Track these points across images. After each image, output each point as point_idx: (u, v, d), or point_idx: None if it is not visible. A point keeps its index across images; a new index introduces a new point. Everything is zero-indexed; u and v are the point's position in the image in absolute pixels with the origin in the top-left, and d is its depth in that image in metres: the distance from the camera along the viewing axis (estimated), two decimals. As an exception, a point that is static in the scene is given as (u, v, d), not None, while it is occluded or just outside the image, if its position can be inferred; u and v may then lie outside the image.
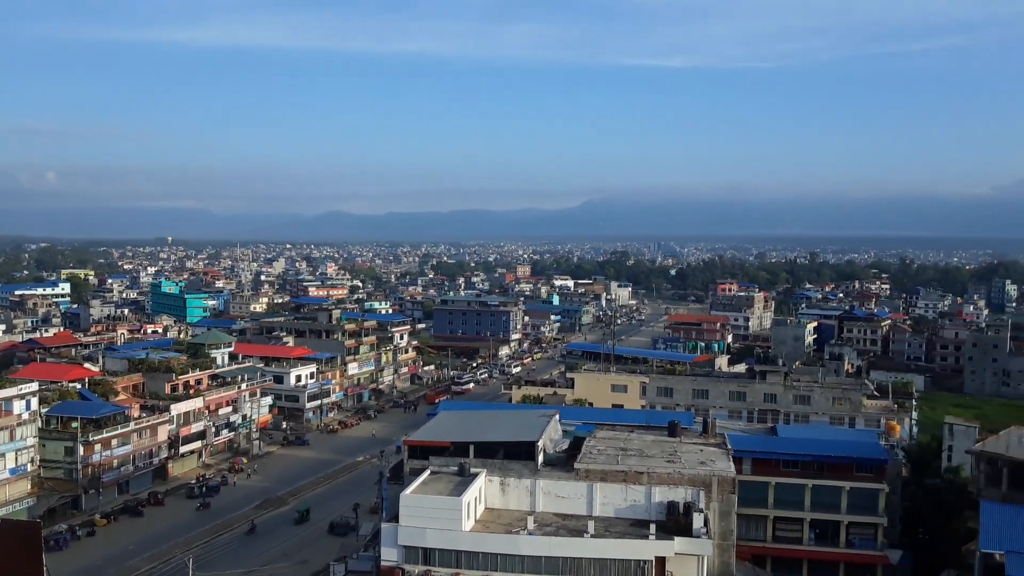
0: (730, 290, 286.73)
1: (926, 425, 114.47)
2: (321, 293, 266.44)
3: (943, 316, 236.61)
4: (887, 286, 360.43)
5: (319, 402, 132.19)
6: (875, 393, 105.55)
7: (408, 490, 47.51)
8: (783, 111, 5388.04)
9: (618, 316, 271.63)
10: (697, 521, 46.84)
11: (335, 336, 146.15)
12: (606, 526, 48.04)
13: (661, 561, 45.83)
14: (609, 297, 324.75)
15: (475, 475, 49.76)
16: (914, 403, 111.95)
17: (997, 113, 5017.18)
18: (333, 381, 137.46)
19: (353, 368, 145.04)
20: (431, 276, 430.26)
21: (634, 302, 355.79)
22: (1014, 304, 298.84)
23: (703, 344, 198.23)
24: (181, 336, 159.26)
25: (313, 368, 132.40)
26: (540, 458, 51.93)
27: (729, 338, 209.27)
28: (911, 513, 76.78)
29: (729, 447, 58.71)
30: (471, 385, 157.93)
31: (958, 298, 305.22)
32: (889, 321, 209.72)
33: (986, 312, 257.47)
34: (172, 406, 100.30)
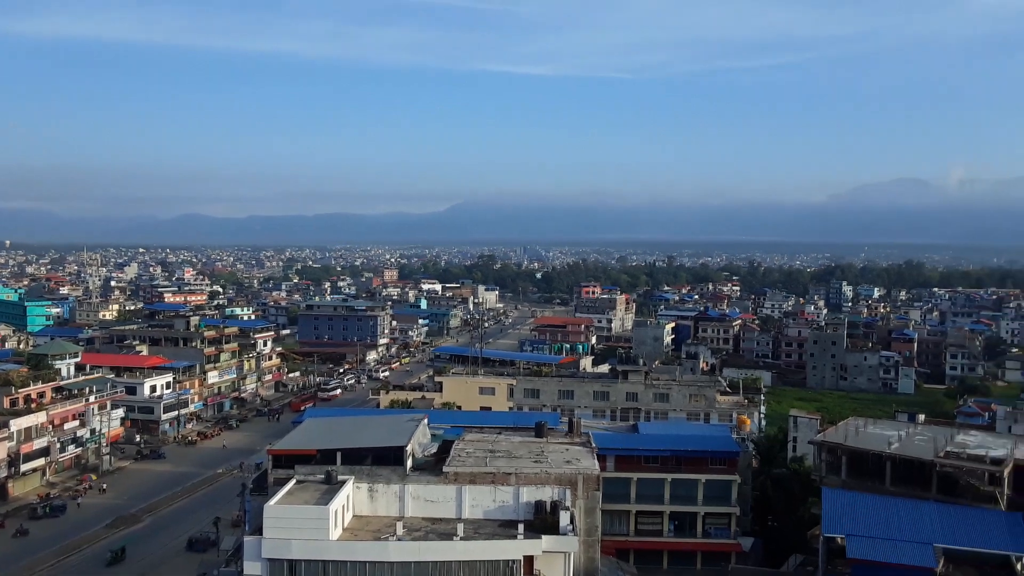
0: (594, 293, 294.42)
1: (773, 418, 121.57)
2: (178, 299, 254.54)
3: (787, 315, 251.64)
4: (737, 288, 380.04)
5: (176, 413, 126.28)
6: (727, 389, 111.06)
7: (272, 501, 46.23)
8: (643, 121, 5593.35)
9: (485, 319, 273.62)
10: (564, 519, 47.91)
11: (193, 344, 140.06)
12: (475, 528, 48.40)
13: (529, 560, 46.60)
14: (476, 301, 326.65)
15: (342, 483, 49.00)
16: (762, 398, 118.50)
17: (834, 126, 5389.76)
18: (192, 391, 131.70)
19: (213, 377, 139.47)
20: (296, 281, 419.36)
21: (501, 305, 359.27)
22: (850, 304, 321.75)
23: (568, 346, 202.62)
24: (21, 347, 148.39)
25: (169, 378, 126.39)
26: (409, 463, 51.73)
27: (593, 339, 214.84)
28: (760, 502, 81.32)
29: (593, 446, 60.37)
30: (338, 391, 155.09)
31: (800, 298, 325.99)
32: (740, 321, 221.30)
33: (825, 311, 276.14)
34: (11, 421, 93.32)
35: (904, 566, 44.16)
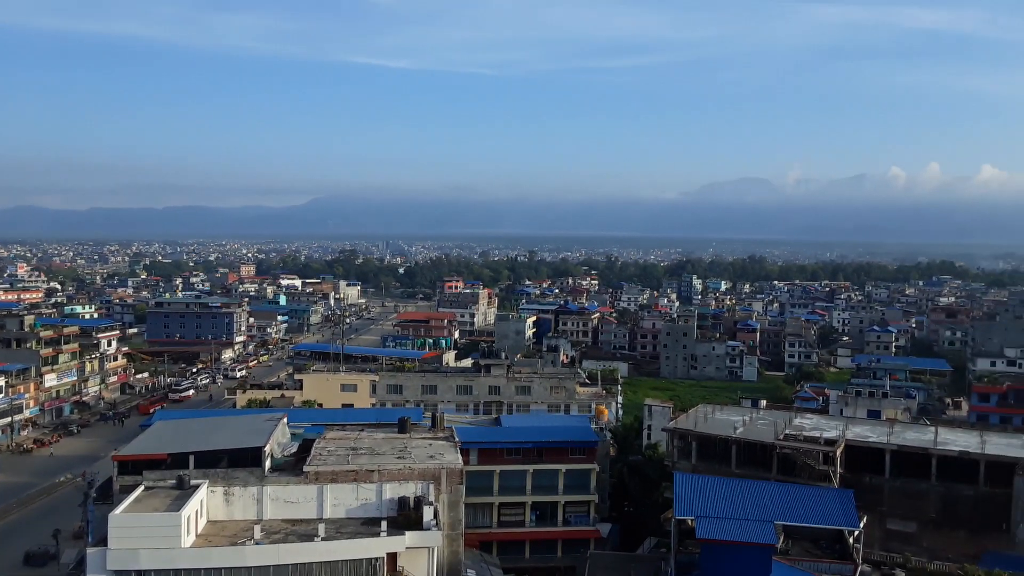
0: (456, 287, 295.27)
1: (629, 407, 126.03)
2: (10, 297, 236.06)
3: (643, 308, 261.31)
4: (596, 282, 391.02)
5: (9, 419, 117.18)
6: (587, 381, 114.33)
7: (118, 509, 43.84)
8: (505, 117, 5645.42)
9: (347, 315, 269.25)
10: (427, 514, 47.97)
11: (28, 345, 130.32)
12: (337, 527, 47.70)
13: (392, 557, 46.40)
14: (338, 296, 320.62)
15: (196, 487, 47.07)
16: (619, 388, 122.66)
17: (685, 126, 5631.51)
18: (26, 395, 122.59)
19: (51, 380, 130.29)
20: (144, 277, 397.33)
21: (363, 301, 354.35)
22: (699, 296, 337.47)
23: (431, 340, 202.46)
24: None
25: (0, 382, 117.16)
26: (267, 464, 50.32)
27: (456, 334, 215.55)
28: (618, 488, 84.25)
29: (457, 440, 60.72)
30: (191, 392, 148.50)
31: (655, 292, 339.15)
32: (598, 314, 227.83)
33: (677, 304, 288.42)
34: None
35: (748, 543, 46.87)
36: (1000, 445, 65.10)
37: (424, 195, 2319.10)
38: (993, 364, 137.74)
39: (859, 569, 48.34)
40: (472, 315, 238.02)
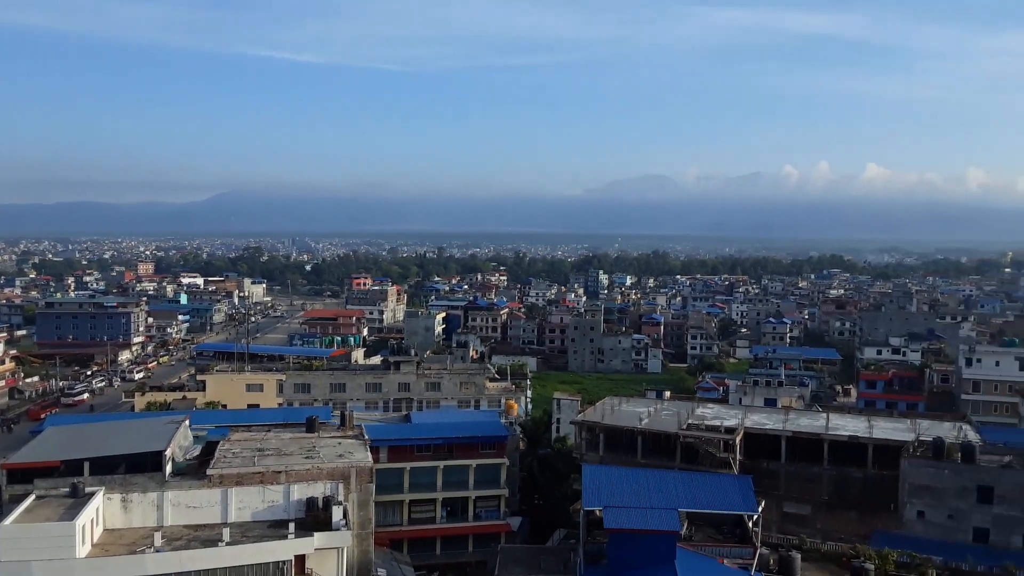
0: (365, 284, 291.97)
1: (539, 401, 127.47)
2: None
3: (550, 303, 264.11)
4: (505, 278, 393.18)
5: None
6: (496, 376, 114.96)
7: (7, 520, 41.80)
8: (412, 113, 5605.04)
9: (252, 314, 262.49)
10: (336, 514, 47.48)
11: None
12: (243, 531, 46.69)
13: (301, 559, 45.75)
14: (242, 294, 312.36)
15: (91, 495, 45.26)
16: (528, 383, 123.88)
17: (590, 124, 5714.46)
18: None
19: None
20: (33, 276, 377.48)
21: (269, 299, 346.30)
22: (606, 291, 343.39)
23: (340, 338, 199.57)
24: None
25: None
26: (168, 468, 48.83)
27: (365, 331, 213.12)
28: (528, 482, 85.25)
29: (366, 438, 60.24)
30: (85, 396, 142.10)
31: (562, 287, 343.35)
32: (507, 309, 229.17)
33: (584, 299, 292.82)
34: None
35: (653, 531, 48.18)
36: (886, 429, 68.90)
37: (331, 191, 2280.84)
38: (879, 352, 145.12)
39: (758, 552, 50.31)
40: (381, 312, 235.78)
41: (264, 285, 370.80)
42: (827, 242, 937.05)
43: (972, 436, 67.31)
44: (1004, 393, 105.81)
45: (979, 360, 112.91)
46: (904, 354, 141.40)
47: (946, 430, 68.62)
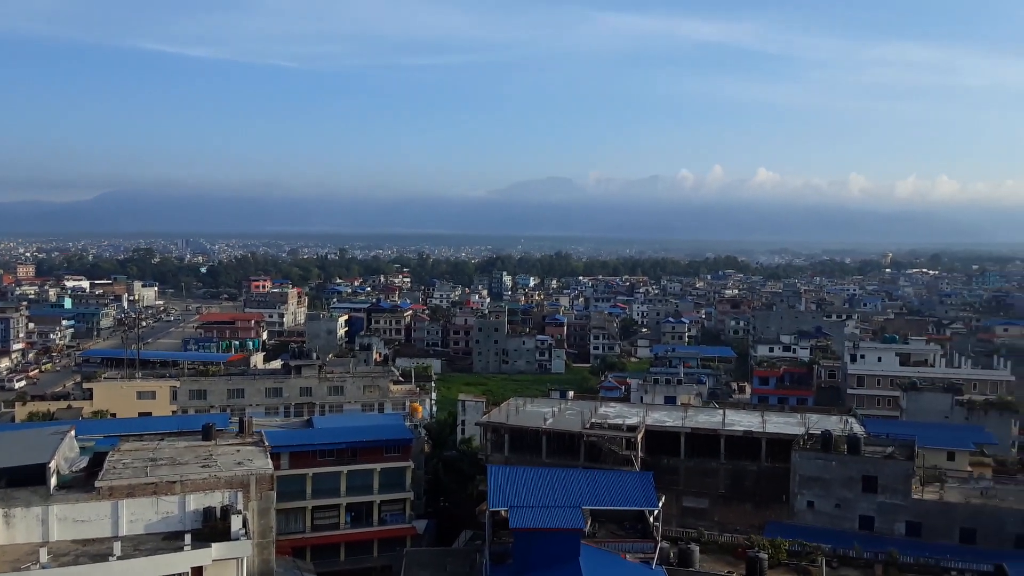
0: (264, 287, 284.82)
1: (444, 403, 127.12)
2: None
3: (455, 305, 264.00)
4: (408, 279, 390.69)
5: None
6: (400, 378, 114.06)
7: None
8: (312, 111, 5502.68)
9: (143, 318, 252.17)
10: (235, 524, 46.08)
11: None
12: (135, 545, 44.75)
13: (198, 571, 44.18)
14: (132, 298, 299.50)
15: (-32, 512, 42.58)
16: (433, 385, 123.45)
17: (493, 126, 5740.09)
18: None
19: None
20: None
21: (162, 302, 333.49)
22: (510, 292, 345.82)
23: (238, 342, 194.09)
24: None
25: None
26: (53, 481, 46.36)
27: (264, 335, 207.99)
28: (433, 484, 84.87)
29: (267, 444, 58.72)
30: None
31: (466, 288, 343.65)
32: (411, 311, 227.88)
33: (488, 300, 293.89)
34: None
35: (557, 529, 48.78)
36: (778, 424, 71.79)
37: (227, 191, 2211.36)
38: (771, 350, 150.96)
39: (658, 546, 51.56)
40: (281, 315, 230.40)
41: (156, 288, 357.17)
42: (722, 243, 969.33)
43: (857, 429, 70.85)
44: (886, 387, 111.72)
45: (863, 356, 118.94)
46: (794, 351, 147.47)
47: (833, 423, 72.06)
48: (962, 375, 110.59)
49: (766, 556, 50.95)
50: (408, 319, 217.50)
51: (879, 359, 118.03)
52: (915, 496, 61.11)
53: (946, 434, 79.71)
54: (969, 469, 71.46)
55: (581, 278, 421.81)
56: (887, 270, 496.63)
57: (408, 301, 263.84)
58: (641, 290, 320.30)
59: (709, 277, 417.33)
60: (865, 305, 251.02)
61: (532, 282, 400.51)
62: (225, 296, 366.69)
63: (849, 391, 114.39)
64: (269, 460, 54.13)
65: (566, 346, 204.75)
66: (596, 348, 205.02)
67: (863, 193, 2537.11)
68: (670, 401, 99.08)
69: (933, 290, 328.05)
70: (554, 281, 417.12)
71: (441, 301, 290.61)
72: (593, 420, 71.48)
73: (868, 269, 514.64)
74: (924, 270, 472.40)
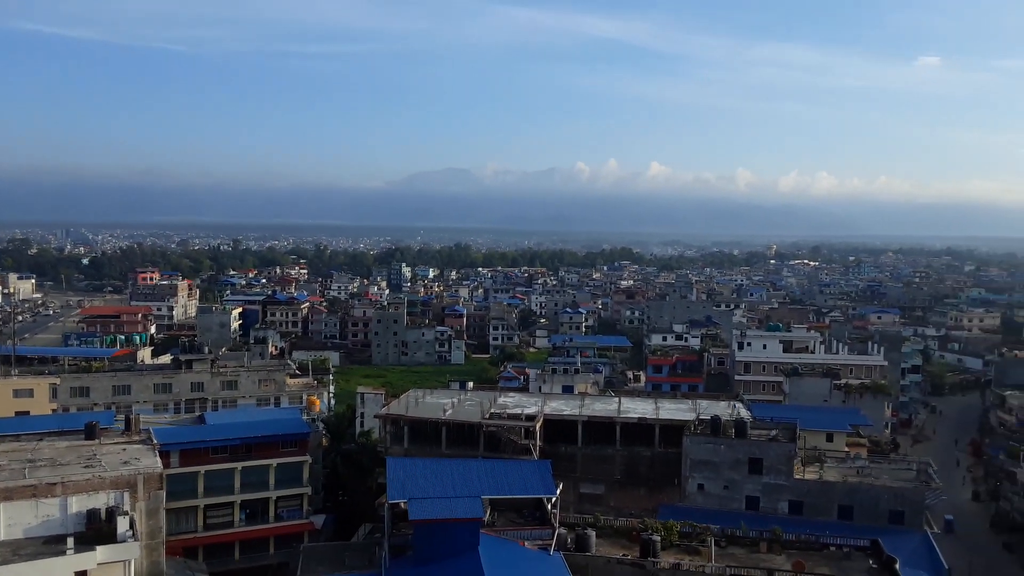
0: (152, 279, 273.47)
1: (342, 396, 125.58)
2: None
3: (353, 297, 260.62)
4: (305, 271, 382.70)
5: None
6: (297, 372, 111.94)
7: None
8: (200, 97, 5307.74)
9: (19, 312, 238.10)
10: (122, 525, 44.50)
11: None
12: (13, 550, 42.64)
13: (82, 575, 42.50)
14: (7, 291, 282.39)
15: None
16: (331, 377, 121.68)
17: (390, 116, 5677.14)
18: None
19: None
20: None
21: (39, 295, 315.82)
22: (409, 284, 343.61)
23: (123, 337, 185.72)
24: None
25: None
26: (-80, 487, 43.63)
27: (153, 329, 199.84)
28: (332, 478, 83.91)
29: (155, 442, 56.83)
30: None
31: (365, 280, 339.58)
32: (308, 303, 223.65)
33: (387, 291, 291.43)
34: None
35: (457, 520, 49.12)
36: (671, 410, 74.21)
37: (109, 179, 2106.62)
38: (664, 339, 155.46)
39: (556, 532, 52.62)
40: (171, 308, 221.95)
41: (33, 281, 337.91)
42: (617, 235, 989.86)
43: (744, 413, 74.00)
44: (771, 373, 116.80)
45: (749, 344, 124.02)
46: (686, 340, 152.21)
47: (722, 409, 74.98)
48: (839, 361, 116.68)
49: (659, 538, 52.73)
50: (305, 311, 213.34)
51: (764, 346, 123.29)
52: (797, 476, 64.37)
53: (825, 417, 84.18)
54: (846, 449, 75.82)
55: (481, 269, 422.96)
56: (772, 261, 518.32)
57: (305, 293, 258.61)
58: (540, 281, 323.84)
59: (605, 268, 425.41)
60: (752, 295, 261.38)
61: (432, 273, 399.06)
62: (110, 289, 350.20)
63: (737, 377, 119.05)
64: (158, 458, 52.52)
65: (466, 337, 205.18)
66: (495, 339, 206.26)
67: (749, 187, 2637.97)
68: (568, 390, 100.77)
69: (813, 280, 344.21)
70: (454, 272, 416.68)
71: (339, 293, 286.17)
72: (492, 410, 72.09)
73: (754, 260, 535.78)
74: (805, 261, 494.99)
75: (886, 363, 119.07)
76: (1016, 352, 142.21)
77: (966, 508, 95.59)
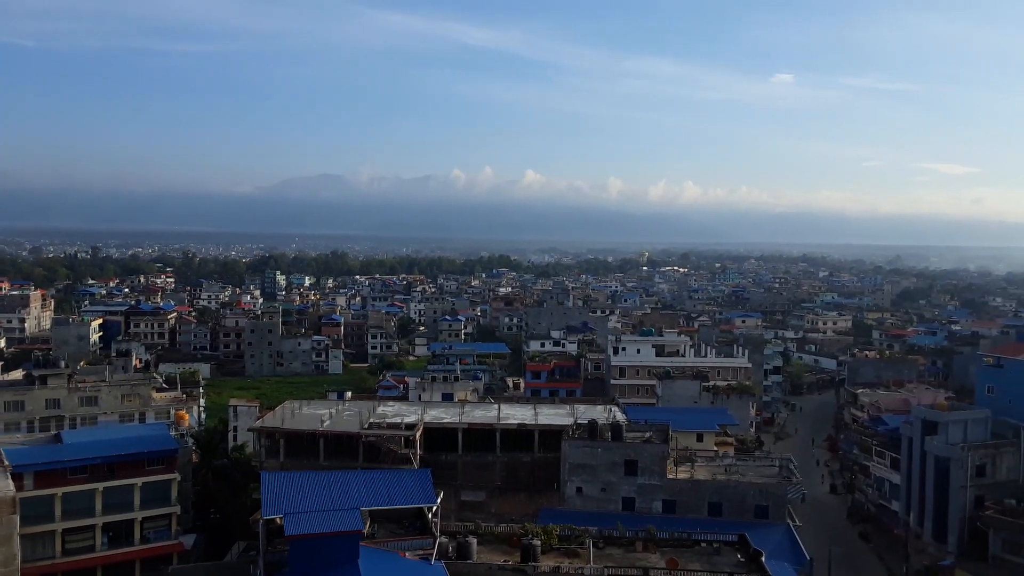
0: (1, 289, 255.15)
1: (214, 409, 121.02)
2: None
3: (225, 306, 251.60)
4: (172, 279, 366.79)
5: None
6: (164, 385, 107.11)
7: None
8: (50, 96, 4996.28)
9: None
10: (-31, 554, 41.35)
11: None
12: None
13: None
14: None
15: None
16: (201, 391, 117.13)
17: (257, 119, 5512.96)
18: None
19: None
20: None
21: None
22: (284, 292, 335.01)
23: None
24: None
25: None
26: None
27: (2, 343, 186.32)
28: (203, 496, 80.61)
29: (6, 464, 53.08)
30: None
31: (237, 288, 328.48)
32: (176, 313, 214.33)
33: (261, 300, 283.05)
34: None
35: (335, 533, 48.20)
36: (550, 415, 75.47)
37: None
38: (543, 345, 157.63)
39: (437, 541, 52.50)
40: (22, 320, 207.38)
41: None
42: (495, 243, 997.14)
43: (620, 416, 76.10)
44: (644, 377, 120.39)
45: (624, 348, 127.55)
46: (563, 345, 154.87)
47: (599, 412, 76.87)
48: (708, 363, 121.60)
49: (539, 542, 53.51)
50: (172, 322, 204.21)
51: (638, 351, 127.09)
52: (670, 476, 66.75)
53: (695, 417, 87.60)
54: (715, 448, 79.15)
55: (358, 277, 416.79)
56: (644, 268, 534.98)
57: (172, 303, 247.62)
58: (418, 289, 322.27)
59: (484, 276, 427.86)
60: (626, 301, 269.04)
61: (307, 281, 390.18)
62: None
63: (613, 381, 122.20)
64: (10, 481, 49.18)
65: (343, 346, 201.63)
66: (374, 347, 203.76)
67: (621, 196, 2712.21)
68: (448, 398, 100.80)
69: (683, 286, 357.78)
70: (330, 280, 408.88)
71: (210, 302, 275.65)
72: (372, 420, 71.24)
73: (628, 267, 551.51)
74: (675, 268, 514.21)
75: (750, 365, 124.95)
76: (866, 352, 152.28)
77: (825, 501, 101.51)
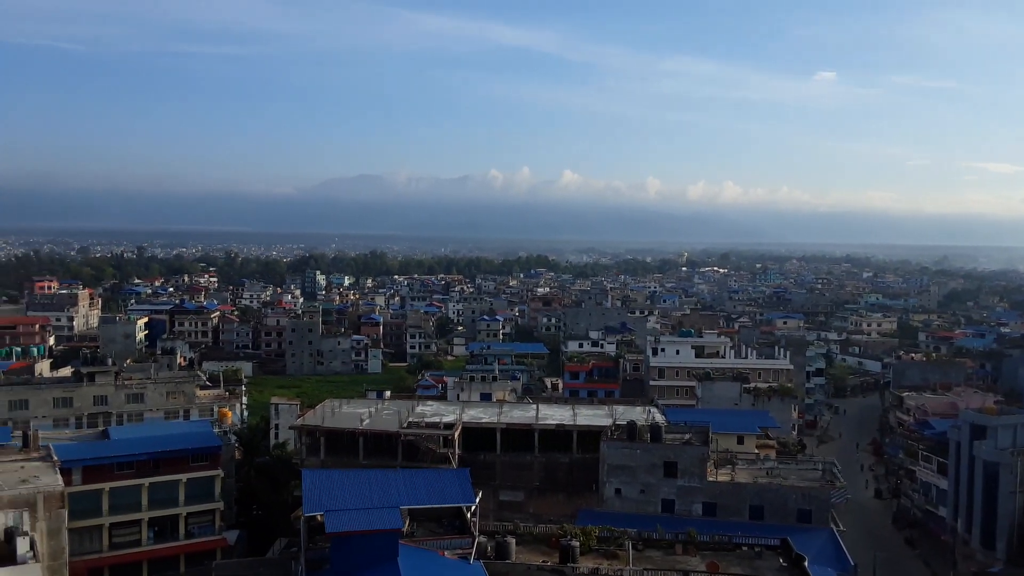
0: (50, 288, 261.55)
1: (256, 407, 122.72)
2: None
3: (266, 305, 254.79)
4: (215, 279, 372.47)
5: None
6: (208, 383, 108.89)
7: None
8: (96, 99, 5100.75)
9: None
10: (21, 546, 42.38)
11: None
12: (-101, 578, 40.11)
13: (-23, 601, 40.33)
14: None
15: None
16: (243, 388, 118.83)
17: (299, 120, 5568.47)
18: None
19: None
20: None
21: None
22: (324, 292, 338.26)
23: (20, 349, 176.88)
24: None
25: None
26: None
27: (52, 340, 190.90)
28: (245, 492, 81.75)
29: (56, 459, 54.32)
30: None
31: (278, 288, 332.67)
32: (218, 312, 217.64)
33: (301, 300, 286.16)
34: None
35: (375, 531, 48.55)
36: (588, 416, 75.17)
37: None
38: (581, 345, 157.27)
39: (476, 541, 52.60)
40: (71, 319, 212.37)
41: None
42: (532, 242, 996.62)
43: (659, 418, 75.56)
44: (684, 378, 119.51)
45: (663, 349, 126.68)
46: (602, 346, 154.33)
47: (637, 414, 76.40)
48: (748, 365, 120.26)
49: (578, 544, 53.33)
50: (216, 321, 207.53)
51: (677, 352, 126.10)
52: (710, 478, 66.08)
53: (736, 419, 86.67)
54: (756, 451, 78.23)
55: (397, 277, 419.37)
56: (683, 268, 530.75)
57: (216, 302, 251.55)
58: (456, 289, 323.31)
59: (522, 276, 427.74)
60: (664, 301, 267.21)
61: (347, 281, 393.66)
62: (4, 299, 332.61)
63: (651, 382, 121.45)
64: (59, 476, 50.34)
65: (382, 346, 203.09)
66: (413, 347, 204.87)
67: (659, 196, 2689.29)
68: (486, 398, 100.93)
69: (723, 287, 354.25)
70: (369, 280, 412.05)
71: (251, 302, 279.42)
72: (410, 419, 71.61)
73: (667, 267, 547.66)
74: (715, 268, 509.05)
75: (792, 367, 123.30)
76: (912, 355, 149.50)
77: (869, 506, 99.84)
